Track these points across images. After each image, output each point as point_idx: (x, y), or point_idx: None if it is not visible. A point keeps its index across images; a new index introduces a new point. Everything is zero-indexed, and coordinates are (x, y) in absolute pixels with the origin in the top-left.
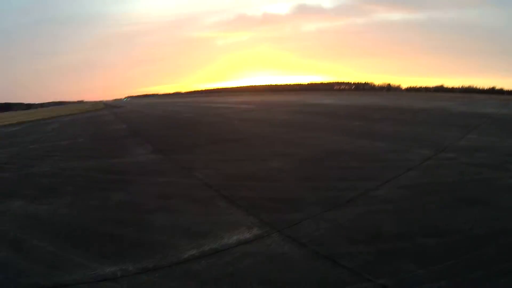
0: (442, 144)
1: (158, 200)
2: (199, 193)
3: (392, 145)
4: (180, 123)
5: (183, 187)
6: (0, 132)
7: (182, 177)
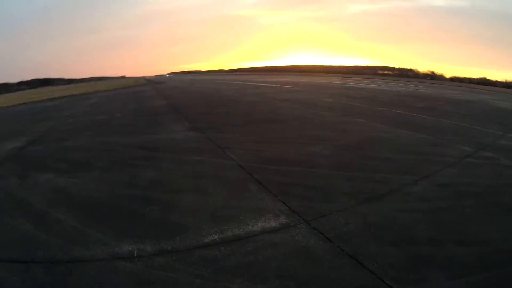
0: (482, 141)
1: (188, 179)
2: (231, 175)
3: (432, 137)
4: (220, 101)
5: (216, 167)
6: (39, 106)
7: (216, 156)
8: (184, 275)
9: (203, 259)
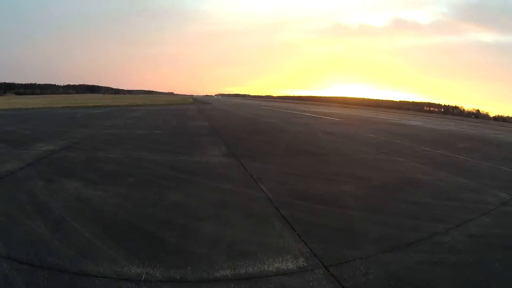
0: None
1: (213, 207)
2: (258, 208)
3: (471, 181)
4: (262, 128)
5: (244, 198)
6: (83, 113)
7: (247, 186)
8: None
9: None
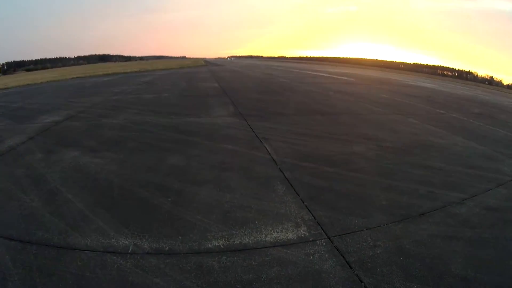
0: None
1: (213, 170)
2: (261, 170)
3: (487, 148)
4: (273, 87)
5: (247, 159)
6: (91, 81)
7: (252, 148)
8: (171, 284)
9: (198, 268)
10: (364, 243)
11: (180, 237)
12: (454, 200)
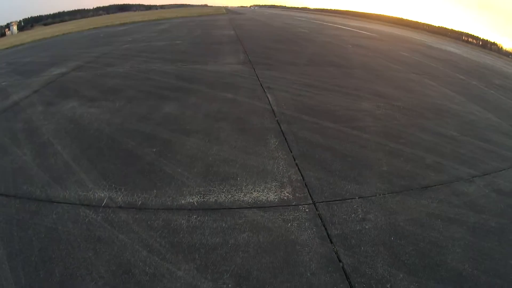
0: None
1: (206, 120)
2: (256, 121)
3: (504, 122)
4: (289, 37)
5: (245, 109)
6: (106, 31)
7: (252, 97)
8: (135, 241)
9: (165, 226)
10: (353, 214)
11: (155, 191)
12: (463, 176)
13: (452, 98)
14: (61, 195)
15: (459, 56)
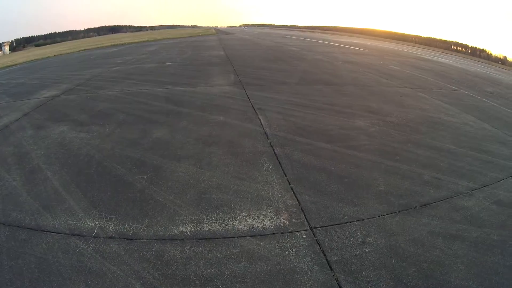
0: None
1: (197, 144)
2: (248, 145)
3: (500, 131)
4: (280, 56)
5: (237, 132)
6: (97, 53)
7: (244, 119)
8: (127, 274)
9: (158, 258)
10: (352, 239)
11: (146, 220)
12: (462, 190)
13: (446, 110)
14: (51, 223)
15: (449, 66)
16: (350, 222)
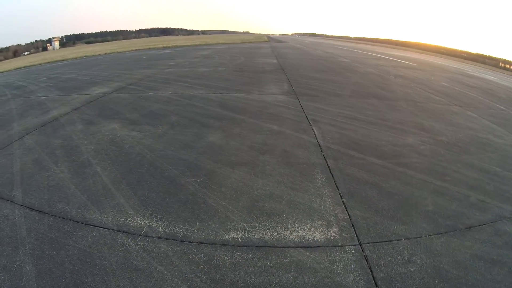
0: None
1: (251, 152)
2: (302, 155)
3: None
4: (332, 67)
5: (290, 142)
6: (149, 53)
7: (298, 129)
8: (175, 275)
9: (207, 261)
10: (399, 257)
11: (197, 223)
12: (506, 215)
13: (494, 131)
14: (98, 218)
15: (498, 84)
16: (398, 240)
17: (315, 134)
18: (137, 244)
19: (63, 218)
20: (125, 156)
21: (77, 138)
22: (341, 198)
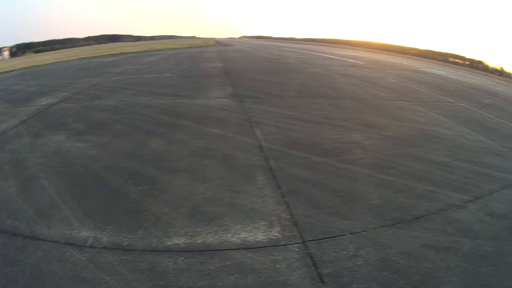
0: None
1: (193, 157)
2: (244, 158)
3: (495, 143)
4: (277, 68)
5: (232, 145)
6: (95, 62)
7: (240, 132)
8: (121, 284)
9: (151, 269)
10: (344, 252)
11: (141, 232)
12: (455, 203)
13: (442, 123)
14: (46, 232)
15: (447, 79)
16: (342, 235)
17: (257, 136)
18: (83, 256)
19: (13, 234)
20: (70, 168)
21: (24, 151)
22: (283, 198)
